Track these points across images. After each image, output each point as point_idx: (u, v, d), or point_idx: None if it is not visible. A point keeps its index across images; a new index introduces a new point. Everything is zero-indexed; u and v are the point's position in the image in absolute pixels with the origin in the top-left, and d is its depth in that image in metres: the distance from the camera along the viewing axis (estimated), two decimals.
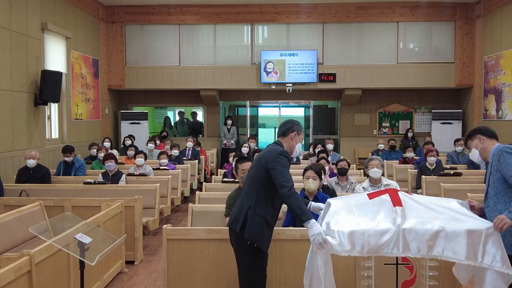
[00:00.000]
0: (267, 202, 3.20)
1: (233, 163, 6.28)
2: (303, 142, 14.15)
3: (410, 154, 8.69)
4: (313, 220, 2.94)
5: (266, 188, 3.18)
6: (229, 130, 12.28)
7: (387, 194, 2.90)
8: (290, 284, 3.77)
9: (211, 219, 4.57)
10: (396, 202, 2.81)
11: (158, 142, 10.49)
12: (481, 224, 2.77)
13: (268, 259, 3.36)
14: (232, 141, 12.17)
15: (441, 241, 2.65)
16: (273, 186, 3.13)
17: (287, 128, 3.39)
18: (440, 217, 2.74)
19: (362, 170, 7.43)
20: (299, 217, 3.00)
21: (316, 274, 2.84)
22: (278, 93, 12.89)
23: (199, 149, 10.32)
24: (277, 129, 14.42)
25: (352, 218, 2.83)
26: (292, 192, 3.04)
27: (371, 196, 2.94)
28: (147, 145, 9.93)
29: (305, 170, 4.36)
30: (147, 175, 7.42)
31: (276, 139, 3.49)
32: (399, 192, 2.92)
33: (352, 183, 5.95)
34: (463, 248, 2.63)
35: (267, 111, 16.21)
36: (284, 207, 4.36)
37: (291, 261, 3.76)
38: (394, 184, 5.20)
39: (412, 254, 2.67)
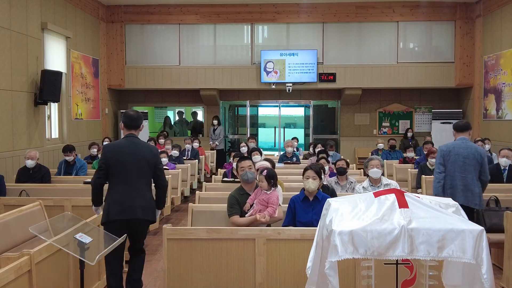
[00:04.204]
0: None
1: (234, 163, 6.29)
2: (303, 142, 14.17)
3: (410, 154, 8.68)
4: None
5: (150, 178, 4.07)
6: (214, 131, 11.93)
7: (393, 194, 2.89)
8: (290, 284, 3.77)
9: (211, 219, 4.57)
10: (402, 203, 2.81)
11: (162, 140, 10.30)
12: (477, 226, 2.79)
13: (268, 259, 3.59)
14: (216, 143, 11.81)
15: (450, 242, 2.65)
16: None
17: (140, 122, 4.09)
18: (448, 219, 2.74)
19: (362, 170, 7.42)
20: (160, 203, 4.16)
21: (322, 274, 2.83)
22: (278, 93, 12.89)
23: (197, 146, 10.26)
24: (277, 129, 14.46)
25: (355, 214, 2.83)
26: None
27: (376, 194, 2.95)
28: None
29: (305, 170, 4.35)
30: None
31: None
32: (405, 194, 2.92)
33: (352, 182, 5.94)
34: (471, 248, 2.63)
35: (267, 110, 16.24)
36: (284, 208, 4.39)
37: (291, 261, 3.76)
38: (394, 184, 5.19)
39: (421, 256, 2.67)
